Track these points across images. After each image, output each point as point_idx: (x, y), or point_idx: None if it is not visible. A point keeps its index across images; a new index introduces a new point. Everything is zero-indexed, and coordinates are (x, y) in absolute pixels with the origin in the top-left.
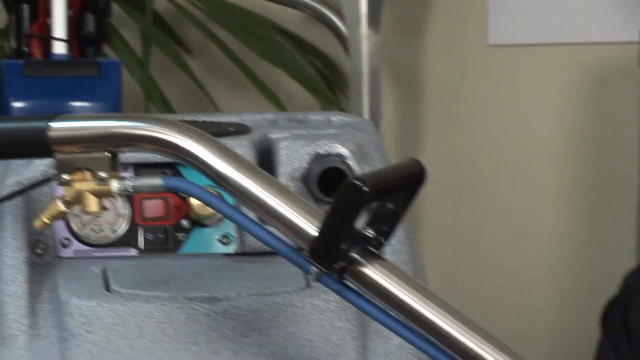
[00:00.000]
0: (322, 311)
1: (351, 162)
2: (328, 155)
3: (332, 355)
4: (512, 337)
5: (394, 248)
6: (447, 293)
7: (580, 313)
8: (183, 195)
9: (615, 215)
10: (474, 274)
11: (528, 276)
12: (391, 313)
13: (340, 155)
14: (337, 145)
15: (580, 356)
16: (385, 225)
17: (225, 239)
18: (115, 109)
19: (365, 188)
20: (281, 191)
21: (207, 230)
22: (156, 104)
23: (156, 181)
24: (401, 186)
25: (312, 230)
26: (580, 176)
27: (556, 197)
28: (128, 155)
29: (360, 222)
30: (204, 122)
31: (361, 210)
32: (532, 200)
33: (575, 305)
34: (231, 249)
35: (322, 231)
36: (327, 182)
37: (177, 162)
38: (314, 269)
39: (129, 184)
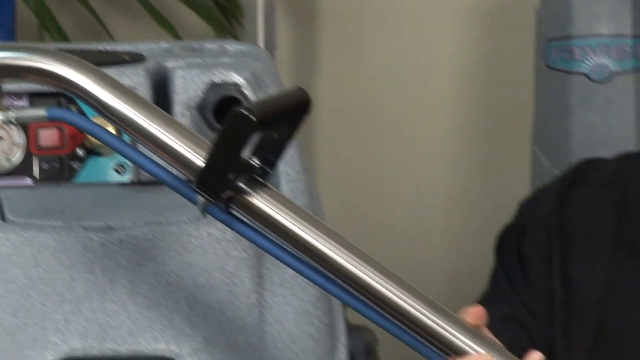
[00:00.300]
0: (217, 240)
1: (247, 91)
2: (223, 84)
3: (228, 284)
4: (406, 266)
5: (289, 177)
6: (342, 222)
7: (475, 241)
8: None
9: (510, 143)
10: (368, 202)
11: (422, 204)
12: (278, 242)
13: (235, 84)
14: (233, 74)
15: (474, 284)
16: (271, 154)
17: (120, 168)
18: (9, 39)
19: (252, 117)
20: (167, 122)
21: (102, 159)
22: (51, 33)
23: (39, 112)
24: (287, 115)
25: (199, 160)
26: (475, 104)
27: (451, 125)
28: (24, 85)
29: (246, 152)
30: (99, 51)
31: (248, 139)
32: (427, 128)
33: (469, 233)
34: (126, 178)
35: (209, 161)
36: (224, 111)
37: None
38: (201, 199)
39: (12, 114)
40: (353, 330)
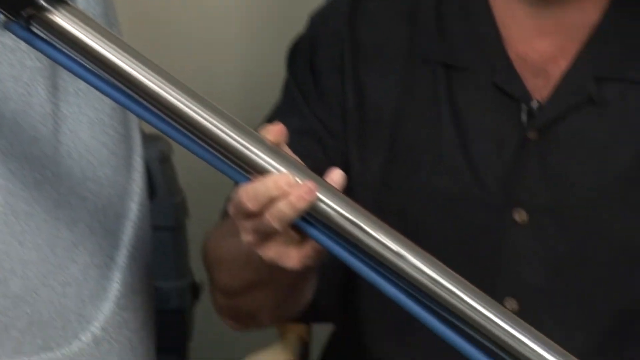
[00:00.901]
0: (12, 50)
1: None
2: None
3: (22, 94)
4: (202, 75)
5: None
6: (139, 30)
7: (270, 50)
8: None
9: None
10: (163, 8)
11: (219, 11)
12: (78, 59)
13: None
14: None
15: (270, 95)
16: None
17: None
18: None
19: None
20: None
21: None
22: None
23: None
24: None
25: None
26: None
27: None
28: None
29: None
30: None
31: None
32: None
33: (265, 42)
34: None
35: None
36: None
37: None
38: (1, 17)
39: None
40: (148, 139)
